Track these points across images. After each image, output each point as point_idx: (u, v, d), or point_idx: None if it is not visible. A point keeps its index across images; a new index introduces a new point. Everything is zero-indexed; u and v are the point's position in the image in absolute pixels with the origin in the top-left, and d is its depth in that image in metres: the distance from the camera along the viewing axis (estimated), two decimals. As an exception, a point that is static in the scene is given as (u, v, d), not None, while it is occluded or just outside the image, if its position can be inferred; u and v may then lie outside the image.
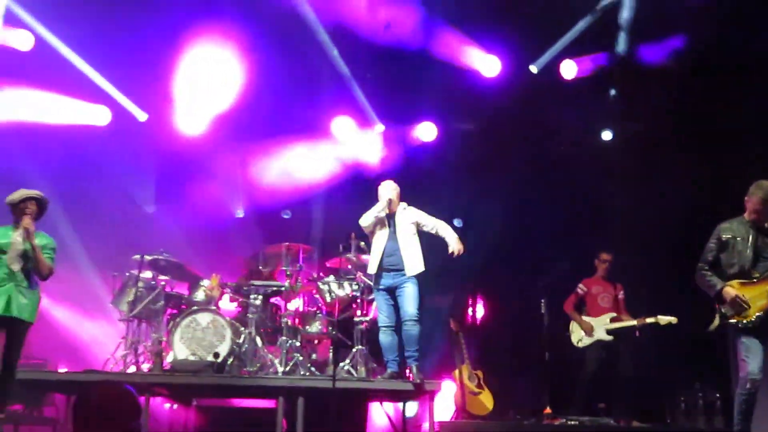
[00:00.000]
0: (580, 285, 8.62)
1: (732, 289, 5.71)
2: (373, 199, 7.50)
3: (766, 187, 5.77)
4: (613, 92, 9.99)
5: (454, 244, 7.16)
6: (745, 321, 5.66)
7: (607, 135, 10.35)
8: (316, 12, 9.31)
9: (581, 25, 9.44)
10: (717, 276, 5.86)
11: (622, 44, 9.50)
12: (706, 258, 5.95)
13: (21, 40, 9.53)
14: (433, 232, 7.38)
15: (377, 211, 7.34)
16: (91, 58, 9.67)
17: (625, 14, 9.21)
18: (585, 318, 8.47)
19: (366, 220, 7.40)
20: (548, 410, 8.01)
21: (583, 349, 8.43)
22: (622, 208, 9.55)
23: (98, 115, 10.27)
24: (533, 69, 9.94)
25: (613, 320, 8.34)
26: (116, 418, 2.72)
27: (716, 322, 5.85)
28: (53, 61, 9.52)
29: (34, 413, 7.98)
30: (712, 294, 5.85)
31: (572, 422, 7.74)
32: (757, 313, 5.60)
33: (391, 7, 9.19)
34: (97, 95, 10.05)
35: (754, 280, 5.72)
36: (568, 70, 9.93)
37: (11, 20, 9.33)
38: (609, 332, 8.28)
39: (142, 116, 10.34)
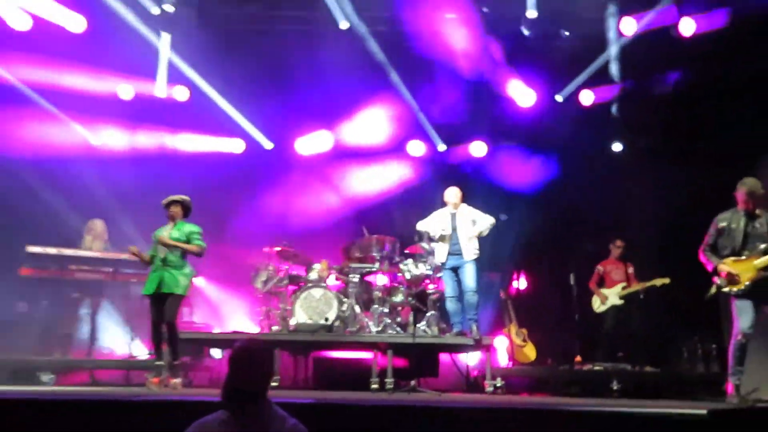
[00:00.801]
0: (598, 266, 8.51)
1: (725, 266, 5.54)
2: (439, 202, 7.46)
3: (748, 183, 5.61)
4: (614, 111, 9.59)
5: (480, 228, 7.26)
6: (736, 289, 5.48)
7: (617, 147, 9.98)
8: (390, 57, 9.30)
9: (598, 62, 9.15)
10: (715, 255, 5.68)
11: (616, 74, 9.16)
12: (707, 242, 5.77)
13: (179, 94, 9.80)
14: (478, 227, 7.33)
15: (437, 231, 7.40)
16: (230, 101, 9.84)
17: (613, 50, 8.91)
18: (603, 290, 8.28)
19: (423, 225, 7.54)
20: (578, 358, 7.81)
21: (602, 313, 8.24)
22: (632, 203, 9.22)
23: (236, 145, 10.47)
24: (558, 98, 9.72)
25: (624, 288, 8.13)
26: (257, 365, 2.77)
27: (712, 290, 5.68)
28: (203, 106, 9.75)
29: (197, 363, 8.17)
30: (710, 269, 5.67)
31: (597, 368, 7.52)
32: (746, 282, 5.43)
33: (465, 44, 8.99)
34: (235, 131, 10.24)
35: (743, 258, 5.52)
36: (586, 98, 9.63)
37: (173, 77, 9.62)
38: (621, 297, 8.11)
39: (268, 145, 10.45)
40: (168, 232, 6.27)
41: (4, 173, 8.32)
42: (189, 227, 6.36)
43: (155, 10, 8.76)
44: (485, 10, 8.79)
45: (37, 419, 3.83)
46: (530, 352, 8.17)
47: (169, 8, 8.76)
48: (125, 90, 9.55)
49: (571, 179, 9.62)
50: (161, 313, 6.10)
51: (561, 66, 9.41)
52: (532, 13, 8.69)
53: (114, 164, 9.15)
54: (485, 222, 7.34)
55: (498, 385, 6.88)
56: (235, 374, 2.76)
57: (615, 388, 6.92)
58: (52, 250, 7.48)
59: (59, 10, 8.43)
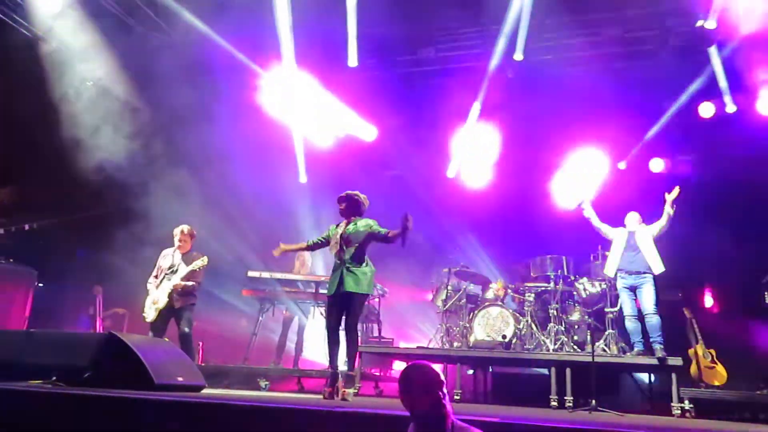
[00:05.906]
0: None
1: None
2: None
3: None
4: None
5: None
6: None
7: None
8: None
9: None
10: None
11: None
12: None
13: (367, 132, 10.15)
14: (663, 223, 6.74)
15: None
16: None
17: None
18: (802, 308, 7.01)
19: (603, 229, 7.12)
20: (779, 383, 6.67)
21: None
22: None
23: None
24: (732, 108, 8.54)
25: None
26: (424, 387, 2.64)
27: None
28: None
29: (385, 374, 8.31)
30: None
31: (804, 395, 6.34)
32: None
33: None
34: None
35: None
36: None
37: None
38: None
39: (452, 173, 10.17)
40: (343, 229, 5.40)
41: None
42: (365, 220, 5.41)
43: None
44: None
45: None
46: (721, 373, 7.13)
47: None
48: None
49: (760, 190, 8.37)
50: (340, 316, 5.24)
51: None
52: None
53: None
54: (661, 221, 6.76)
55: (686, 407, 6.09)
56: (407, 397, 2.68)
57: (826, 418, 5.78)
58: (266, 274, 7.96)
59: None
